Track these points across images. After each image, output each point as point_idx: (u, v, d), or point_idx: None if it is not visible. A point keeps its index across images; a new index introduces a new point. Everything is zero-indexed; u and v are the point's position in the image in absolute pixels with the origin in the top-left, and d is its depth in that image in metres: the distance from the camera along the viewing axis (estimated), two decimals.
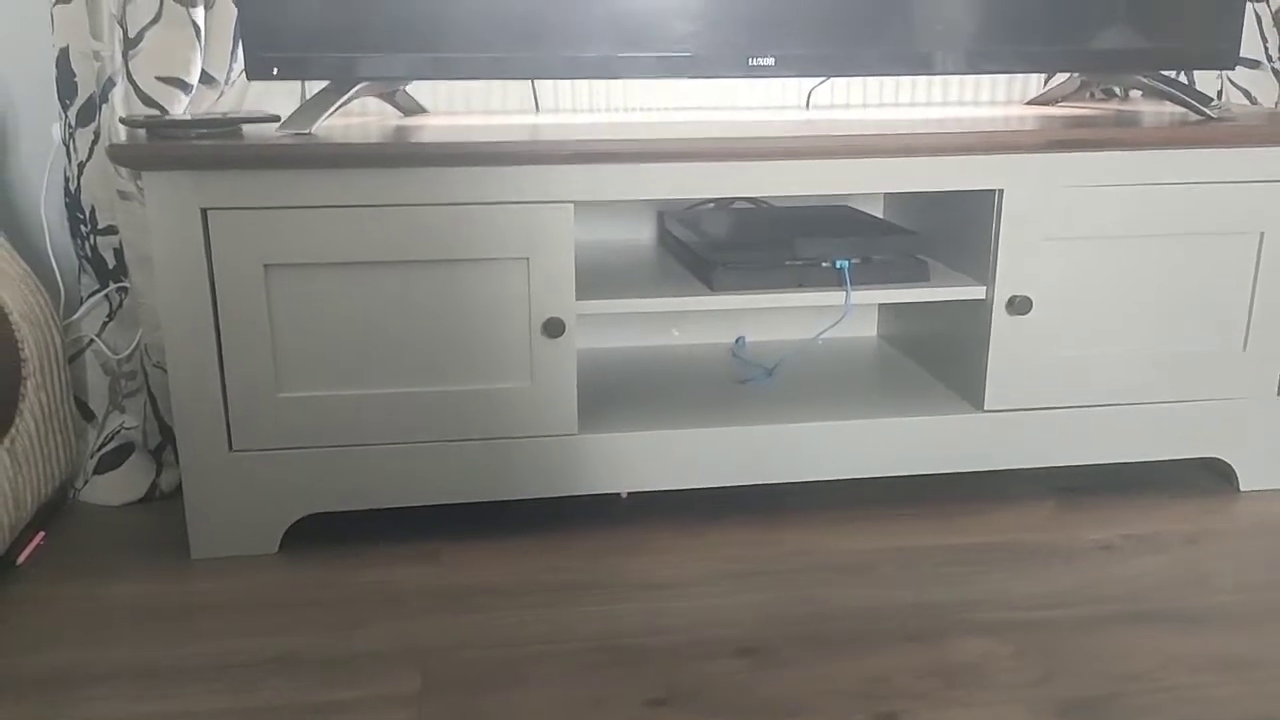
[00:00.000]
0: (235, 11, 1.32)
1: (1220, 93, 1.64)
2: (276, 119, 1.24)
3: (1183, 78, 1.61)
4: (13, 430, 1.19)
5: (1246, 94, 1.63)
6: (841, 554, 1.24)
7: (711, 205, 1.57)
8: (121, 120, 1.24)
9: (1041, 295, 1.29)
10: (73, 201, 1.37)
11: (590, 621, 1.10)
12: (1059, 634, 1.07)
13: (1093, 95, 1.69)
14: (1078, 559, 1.22)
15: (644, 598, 1.14)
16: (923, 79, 1.62)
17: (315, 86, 1.33)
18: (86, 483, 1.38)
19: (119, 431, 1.41)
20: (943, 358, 1.42)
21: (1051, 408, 1.32)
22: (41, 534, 1.28)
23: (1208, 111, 1.34)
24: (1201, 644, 1.06)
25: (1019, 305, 1.27)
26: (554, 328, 1.20)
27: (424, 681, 1.00)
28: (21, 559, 1.22)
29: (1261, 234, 1.30)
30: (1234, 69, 1.46)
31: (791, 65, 1.28)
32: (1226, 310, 1.33)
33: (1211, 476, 1.44)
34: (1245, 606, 1.12)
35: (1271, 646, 1.05)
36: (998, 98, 1.64)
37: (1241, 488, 1.39)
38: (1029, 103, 1.62)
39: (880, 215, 1.61)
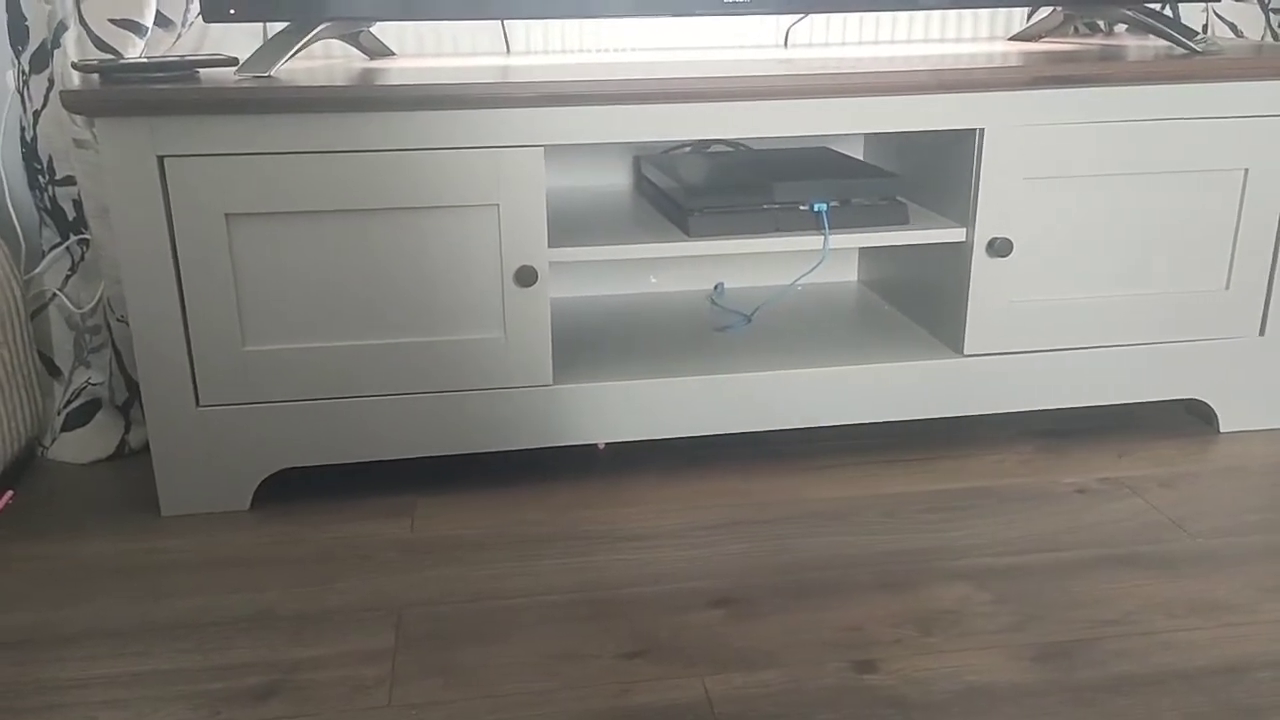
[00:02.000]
0: None
1: (1206, 26, 1.61)
2: (235, 62, 1.20)
3: (1168, 11, 1.57)
4: None
5: (1233, 27, 1.60)
6: (819, 502, 1.23)
7: (688, 149, 1.53)
8: (74, 65, 1.19)
9: (1022, 237, 1.27)
10: (30, 151, 1.33)
11: (566, 574, 1.09)
12: (1036, 579, 1.07)
13: (1076, 30, 1.66)
14: (1055, 504, 1.22)
15: (620, 549, 1.13)
16: (903, 15, 1.58)
17: (276, 28, 1.28)
18: (54, 440, 1.36)
19: (85, 388, 1.38)
20: (923, 302, 1.40)
21: (1032, 351, 1.31)
22: (9, 493, 1.26)
23: (1193, 46, 1.31)
24: (1178, 588, 1.05)
25: (999, 247, 1.25)
26: (526, 276, 1.18)
27: (398, 637, 0.99)
28: None
29: (1246, 170, 1.28)
30: (1220, 1, 1.43)
31: (768, 2, 1.24)
32: (1210, 249, 1.31)
33: (1191, 419, 1.44)
34: (1223, 549, 1.12)
35: (1248, 590, 1.05)
36: (980, 34, 1.60)
37: (1222, 429, 1.39)
38: (1011, 38, 1.58)
39: (860, 157, 1.58)
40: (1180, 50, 1.32)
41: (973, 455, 1.34)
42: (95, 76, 1.16)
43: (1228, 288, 1.33)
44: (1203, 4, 1.59)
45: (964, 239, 1.27)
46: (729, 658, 0.95)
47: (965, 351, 1.30)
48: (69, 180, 1.32)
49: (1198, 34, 1.34)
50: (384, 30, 1.45)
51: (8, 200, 1.39)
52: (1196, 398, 1.37)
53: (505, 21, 1.48)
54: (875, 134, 1.55)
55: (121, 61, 1.16)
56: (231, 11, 1.15)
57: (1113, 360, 1.33)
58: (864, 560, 1.11)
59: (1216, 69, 1.22)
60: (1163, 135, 1.25)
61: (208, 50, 1.38)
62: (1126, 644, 0.97)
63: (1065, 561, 1.10)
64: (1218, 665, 0.93)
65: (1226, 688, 0.90)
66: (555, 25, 1.51)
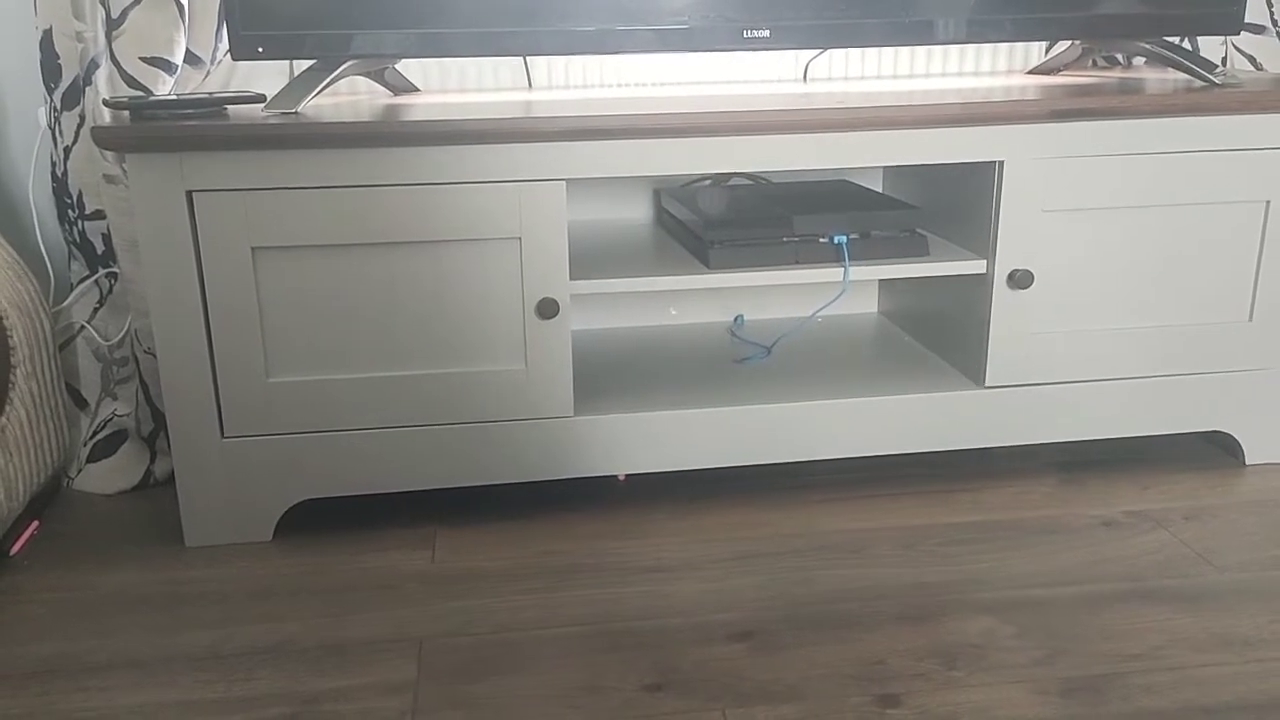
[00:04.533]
0: None
1: (1225, 59, 1.61)
2: (262, 99, 1.22)
3: (1186, 44, 1.58)
4: (3, 419, 1.18)
5: (1251, 60, 1.60)
6: (841, 534, 1.23)
7: (708, 182, 1.54)
8: (105, 102, 1.22)
9: (1043, 269, 1.27)
10: (60, 186, 1.35)
11: (587, 606, 1.09)
12: (1061, 613, 1.06)
13: (1095, 63, 1.66)
14: (1079, 536, 1.21)
15: (641, 581, 1.13)
16: (922, 49, 1.59)
17: (303, 66, 1.30)
18: (80, 471, 1.37)
19: (111, 419, 1.40)
20: (943, 333, 1.41)
21: (1054, 383, 1.30)
22: (35, 523, 1.27)
23: (1212, 78, 1.32)
24: (1205, 622, 1.04)
25: (1020, 279, 1.25)
26: (548, 308, 1.19)
27: (419, 668, 0.99)
28: (15, 549, 1.21)
29: (1267, 203, 1.28)
30: (1239, 34, 1.43)
31: (787, 37, 1.25)
32: (1232, 281, 1.31)
33: (1216, 451, 1.43)
34: (1249, 584, 1.11)
35: (1275, 624, 1.04)
36: (998, 67, 1.61)
37: (1247, 461, 1.38)
38: (1030, 72, 1.59)
39: (879, 189, 1.59)
40: (1199, 83, 1.33)
41: (994, 487, 1.34)
42: (126, 113, 1.18)
43: (1250, 319, 1.32)
44: (1221, 37, 1.59)
45: (984, 271, 1.27)
46: (751, 691, 0.95)
47: (986, 383, 1.29)
48: (98, 215, 1.35)
49: (1216, 67, 1.34)
50: (408, 67, 1.47)
51: (38, 234, 1.41)
52: (1220, 430, 1.36)
53: (527, 57, 1.50)
54: (895, 167, 1.56)
55: (152, 98, 1.18)
56: (259, 50, 1.17)
57: (1135, 392, 1.32)
58: (886, 593, 1.10)
59: (1236, 101, 1.23)
60: (1183, 167, 1.25)
61: (235, 87, 1.41)
62: (1152, 679, 0.96)
63: (1090, 595, 1.09)
64: (1244, 701, 0.92)
65: None
66: (576, 60, 1.52)
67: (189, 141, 1.09)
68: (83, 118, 1.30)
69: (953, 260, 1.28)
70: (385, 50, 1.20)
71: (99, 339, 1.40)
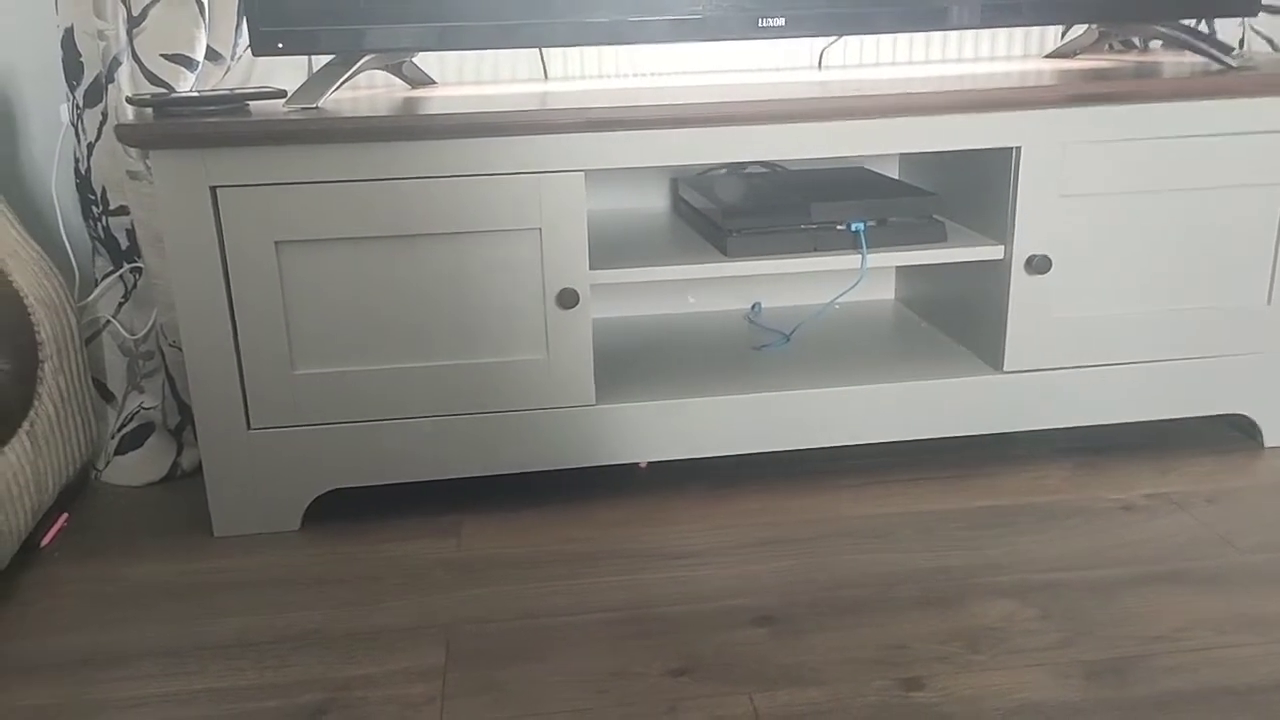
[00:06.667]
0: None
1: (1242, 41, 1.61)
2: (283, 94, 1.23)
3: (1203, 26, 1.57)
4: (32, 413, 1.20)
5: (1270, 42, 1.60)
6: (861, 520, 1.23)
7: (724, 170, 1.55)
8: (128, 99, 1.23)
9: (1060, 254, 1.27)
10: (83, 183, 1.36)
11: (611, 592, 1.10)
12: (1082, 596, 1.07)
13: (1111, 47, 1.66)
14: (1100, 520, 1.22)
15: (664, 567, 1.14)
16: (937, 34, 1.59)
17: (322, 60, 1.31)
18: (108, 464, 1.39)
19: (138, 412, 1.41)
20: (961, 319, 1.41)
21: (1072, 367, 1.31)
22: (64, 516, 1.29)
23: (1229, 61, 1.31)
24: (1226, 604, 1.05)
25: (1038, 264, 1.26)
26: (568, 298, 1.20)
27: (447, 655, 1.00)
28: (45, 541, 1.23)
29: None
30: (1256, 15, 1.43)
31: (802, 25, 1.26)
32: (1250, 264, 1.31)
33: (1235, 434, 1.43)
34: (1270, 565, 1.11)
35: None
36: (1014, 52, 1.61)
37: (1266, 444, 1.38)
38: (1046, 56, 1.59)
39: (896, 176, 1.59)
40: (1216, 66, 1.32)
41: (1014, 472, 1.34)
42: (149, 110, 1.19)
43: (1269, 302, 1.32)
44: (1239, 19, 1.58)
45: (1002, 256, 1.28)
46: (775, 675, 0.96)
47: (1005, 368, 1.30)
48: (122, 210, 1.36)
49: (1233, 49, 1.34)
50: (425, 60, 1.48)
51: (62, 230, 1.42)
52: (1239, 413, 1.36)
53: (543, 49, 1.50)
54: (911, 153, 1.56)
55: (174, 95, 1.19)
56: (279, 45, 1.18)
57: (1154, 376, 1.32)
58: (907, 577, 1.11)
59: (1253, 84, 1.22)
60: (1200, 151, 1.25)
61: (255, 83, 1.42)
62: (1175, 660, 0.96)
63: (1112, 578, 1.10)
64: (1268, 682, 0.93)
65: (1277, 705, 0.90)
66: (592, 51, 1.53)
67: (212, 138, 1.10)
68: (105, 115, 1.31)
69: (970, 246, 1.28)
70: (402, 44, 1.21)
71: (124, 333, 1.41)
